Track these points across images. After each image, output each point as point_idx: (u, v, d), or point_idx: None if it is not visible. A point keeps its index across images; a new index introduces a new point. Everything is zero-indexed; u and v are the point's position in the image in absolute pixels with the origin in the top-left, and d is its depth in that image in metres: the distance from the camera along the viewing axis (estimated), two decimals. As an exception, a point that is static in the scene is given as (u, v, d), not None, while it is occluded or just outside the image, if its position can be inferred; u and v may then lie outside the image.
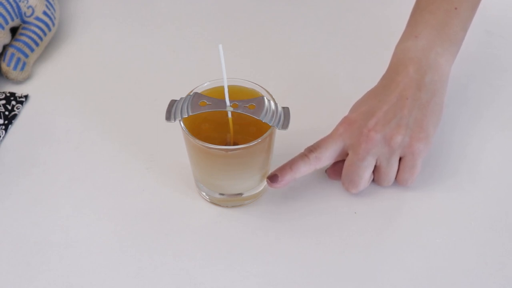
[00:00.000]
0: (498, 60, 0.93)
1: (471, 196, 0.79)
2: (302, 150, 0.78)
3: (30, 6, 0.92)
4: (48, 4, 0.93)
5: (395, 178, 0.78)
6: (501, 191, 0.80)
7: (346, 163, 0.77)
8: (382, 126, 0.75)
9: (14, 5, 0.91)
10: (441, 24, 0.80)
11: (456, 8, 0.81)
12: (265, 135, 0.72)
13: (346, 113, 0.79)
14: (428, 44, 0.79)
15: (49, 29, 0.93)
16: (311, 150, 0.77)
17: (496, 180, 0.81)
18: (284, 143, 0.83)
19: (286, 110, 0.73)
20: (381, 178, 0.77)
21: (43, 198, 0.79)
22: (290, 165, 0.76)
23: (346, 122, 0.77)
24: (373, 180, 0.78)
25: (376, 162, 0.76)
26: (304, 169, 0.76)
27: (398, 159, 0.76)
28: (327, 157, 0.77)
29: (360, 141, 0.75)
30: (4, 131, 0.85)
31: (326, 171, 0.80)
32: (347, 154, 0.77)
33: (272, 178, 0.76)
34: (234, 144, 0.75)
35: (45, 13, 0.93)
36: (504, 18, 0.99)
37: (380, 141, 0.75)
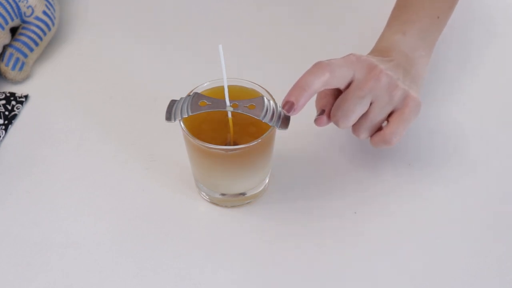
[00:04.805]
0: (498, 60, 0.93)
1: (470, 195, 0.79)
2: (302, 150, 0.78)
3: (29, 6, 0.92)
4: (48, 4, 0.93)
5: (381, 132, 0.76)
6: (501, 189, 0.80)
7: (345, 94, 0.73)
8: (391, 73, 0.74)
9: (14, 5, 0.91)
10: (425, 30, 0.83)
11: (438, 17, 0.84)
12: (265, 135, 0.72)
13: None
14: (414, 44, 0.81)
15: (49, 29, 0.93)
16: (324, 63, 0.72)
17: (496, 178, 0.81)
18: (284, 143, 0.83)
19: (286, 110, 0.73)
20: (365, 123, 0.74)
21: (43, 198, 0.79)
22: (301, 84, 0.71)
23: (358, 55, 0.74)
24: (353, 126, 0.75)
25: (370, 105, 0.74)
26: (317, 84, 0.71)
27: (390, 111, 0.75)
28: (337, 76, 0.72)
29: (368, 78, 0.73)
30: (4, 131, 0.85)
31: (315, 120, 0.76)
32: (347, 87, 0.74)
33: (288, 107, 0.71)
34: (234, 144, 0.75)
35: (44, 13, 0.93)
36: (504, 18, 0.99)
37: (385, 86, 0.74)
